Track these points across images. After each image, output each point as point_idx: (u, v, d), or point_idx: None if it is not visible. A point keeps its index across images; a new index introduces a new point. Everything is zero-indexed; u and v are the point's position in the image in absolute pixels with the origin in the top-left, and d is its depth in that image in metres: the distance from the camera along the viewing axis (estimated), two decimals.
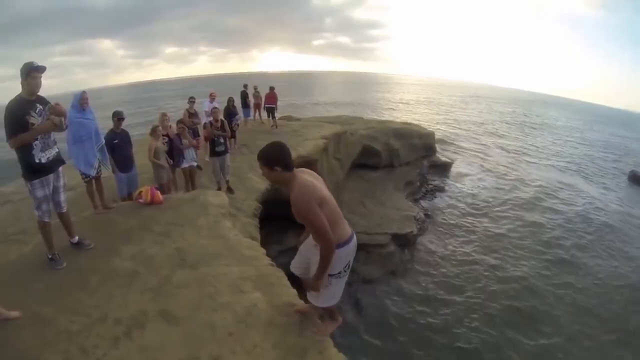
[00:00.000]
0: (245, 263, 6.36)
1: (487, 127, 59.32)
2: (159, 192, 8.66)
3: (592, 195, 30.72)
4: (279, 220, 16.80)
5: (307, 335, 4.98)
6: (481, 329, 14.34)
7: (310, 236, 4.30)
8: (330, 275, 4.05)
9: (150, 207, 8.27)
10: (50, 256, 6.02)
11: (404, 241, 19.42)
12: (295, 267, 4.72)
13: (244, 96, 19.99)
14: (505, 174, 33.71)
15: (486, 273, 18.09)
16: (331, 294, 4.26)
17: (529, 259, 19.84)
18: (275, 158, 3.67)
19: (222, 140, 11.43)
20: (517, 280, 17.82)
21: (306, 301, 5.67)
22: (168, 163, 10.37)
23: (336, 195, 18.31)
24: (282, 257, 16.22)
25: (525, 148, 46.26)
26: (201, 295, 5.37)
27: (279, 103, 21.16)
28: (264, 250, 7.15)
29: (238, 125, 16.56)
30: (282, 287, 5.92)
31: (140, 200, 8.37)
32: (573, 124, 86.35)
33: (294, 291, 5.95)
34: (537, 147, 48.33)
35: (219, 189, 11.33)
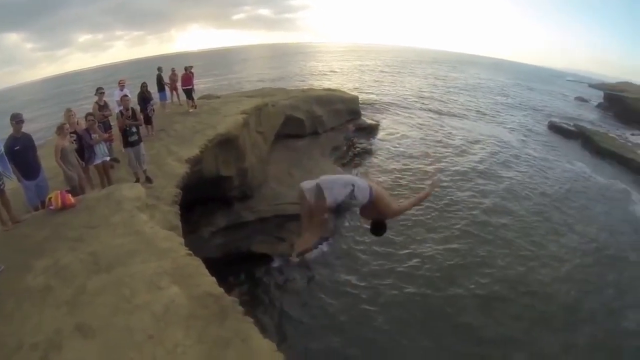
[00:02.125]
0: (161, 257, 6.29)
1: (413, 88, 60.16)
2: (69, 194, 8.22)
3: (515, 144, 32.83)
4: (208, 203, 16.67)
5: (228, 325, 5.05)
6: (415, 293, 15.06)
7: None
8: None
9: (63, 213, 7.86)
10: None
11: (336, 207, 19.64)
12: (310, 188, 4.52)
13: (159, 79, 19.36)
14: (431, 132, 34.80)
15: (416, 228, 18.81)
16: None
17: (456, 205, 21.25)
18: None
19: (134, 129, 10.96)
20: (448, 228, 19.13)
21: (225, 289, 5.73)
22: (78, 162, 9.90)
23: (262, 169, 18.36)
24: (216, 237, 16.33)
25: (449, 106, 47.55)
26: (117, 300, 5.28)
27: (201, 84, 20.62)
28: (181, 240, 7.10)
29: (154, 110, 15.94)
30: (200, 276, 5.95)
31: (52, 207, 7.92)
32: (497, 82, 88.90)
33: (213, 279, 5.99)
34: (461, 104, 49.79)
35: (137, 180, 10.94)
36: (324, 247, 17.79)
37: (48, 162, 9.54)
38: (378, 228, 4.83)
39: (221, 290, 5.74)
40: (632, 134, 39.26)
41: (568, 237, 19.21)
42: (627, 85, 55.29)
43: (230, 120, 16.96)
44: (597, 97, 58.10)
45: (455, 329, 13.45)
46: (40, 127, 29.42)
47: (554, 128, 39.93)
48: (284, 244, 17.31)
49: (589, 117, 46.47)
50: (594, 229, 20.27)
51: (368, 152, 28.54)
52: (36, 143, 9.07)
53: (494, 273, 16.19)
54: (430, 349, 12.65)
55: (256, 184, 18.10)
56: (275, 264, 16.81)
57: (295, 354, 12.17)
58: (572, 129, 39.07)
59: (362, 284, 15.56)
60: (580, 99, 64.05)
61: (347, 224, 19.59)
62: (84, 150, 10.30)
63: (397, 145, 30.23)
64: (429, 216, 20.06)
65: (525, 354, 12.60)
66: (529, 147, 32.72)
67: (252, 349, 4.85)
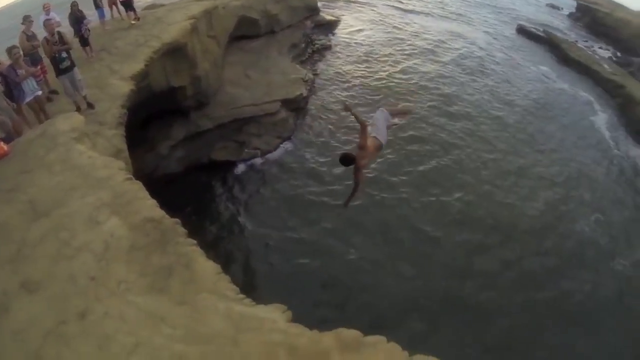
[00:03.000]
0: (99, 187, 6.17)
1: None
2: (2, 142, 7.67)
3: (481, 44, 31.97)
4: (163, 117, 16.29)
5: (171, 251, 5.09)
6: (375, 195, 15.28)
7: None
8: None
9: None
10: None
11: (295, 105, 19.62)
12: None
13: None
14: (394, 27, 33.19)
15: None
16: None
17: (416, 95, 21.36)
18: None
19: (64, 54, 10.27)
20: (410, 128, 18.95)
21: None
22: (8, 104, 9.22)
23: (216, 74, 17.84)
24: (175, 151, 16.12)
25: (414, 2, 45.29)
26: (58, 245, 5.22)
27: None
28: (121, 164, 6.94)
29: (89, 30, 14.93)
30: (139, 201, 5.90)
31: None
32: None
33: (153, 202, 5.96)
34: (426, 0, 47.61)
35: (78, 108, 10.40)
36: (288, 145, 17.87)
37: None
38: (348, 161, 5.76)
39: (162, 213, 5.73)
40: (600, 47, 38.74)
41: (527, 138, 19.61)
42: None
43: (177, 27, 16.04)
44: (570, 6, 56.04)
45: (409, 230, 13.99)
46: None
47: (523, 32, 38.84)
48: (244, 148, 17.30)
49: (559, 25, 44.95)
50: (553, 127, 20.79)
51: (327, 49, 27.62)
52: None
53: (452, 178, 16.49)
54: (387, 251, 13.23)
55: (212, 91, 17.61)
56: (239, 170, 16.78)
57: (249, 271, 12.56)
58: (541, 34, 38.09)
59: (324, 188, 15.74)
60: (552, 6, 61.98)
61: (307, 121, 19.60)
62: (11, 90, 9.62)
63: (358, 40, 29.26)
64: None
65: (478, 259, 13.21)
66: (495, 48, 31.91)
67: (196, 273, 4.93)
